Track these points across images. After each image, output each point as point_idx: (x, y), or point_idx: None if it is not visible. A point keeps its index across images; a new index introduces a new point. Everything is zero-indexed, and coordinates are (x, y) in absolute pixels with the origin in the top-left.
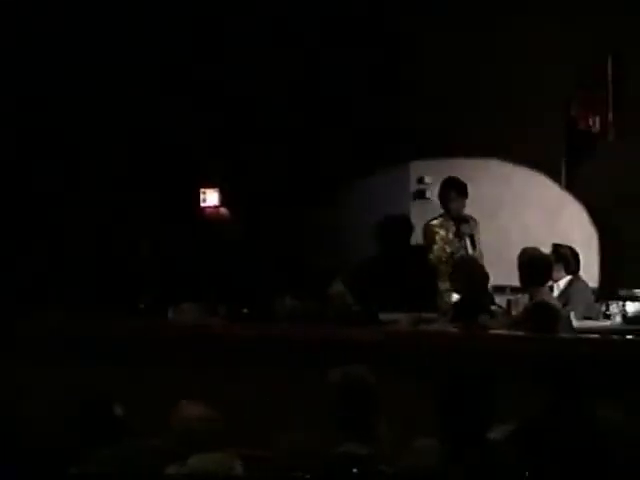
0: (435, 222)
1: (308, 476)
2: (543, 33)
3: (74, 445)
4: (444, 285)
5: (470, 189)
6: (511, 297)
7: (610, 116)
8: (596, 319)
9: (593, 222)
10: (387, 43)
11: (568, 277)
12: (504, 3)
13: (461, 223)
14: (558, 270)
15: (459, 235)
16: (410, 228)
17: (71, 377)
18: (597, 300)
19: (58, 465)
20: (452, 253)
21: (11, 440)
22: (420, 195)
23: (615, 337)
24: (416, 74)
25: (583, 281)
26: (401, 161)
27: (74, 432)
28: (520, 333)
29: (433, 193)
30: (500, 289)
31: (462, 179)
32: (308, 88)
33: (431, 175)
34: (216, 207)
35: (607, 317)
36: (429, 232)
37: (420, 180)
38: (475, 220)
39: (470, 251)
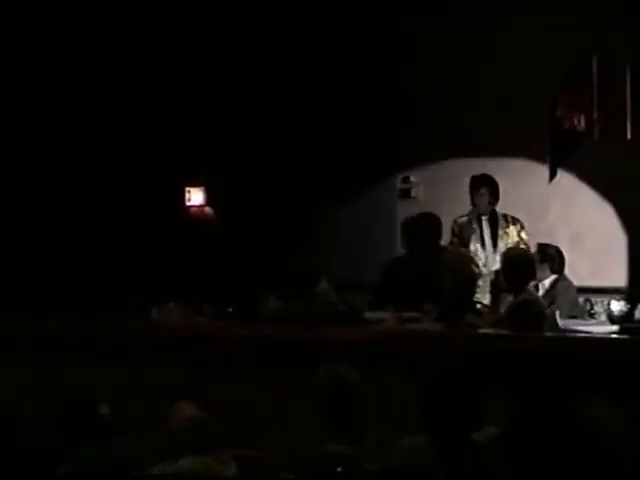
0: (462, 219)
1: (293, 476)
2: (528, 32)
3: (60, 444)
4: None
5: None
6: None
7: (595, 115)
8: (581, 318)
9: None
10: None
11: (553, 276)
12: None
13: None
14: (543, 270)
15: (481, 233)
16: (440, 225)
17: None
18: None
19: (46, 464)
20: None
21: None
22: (405, 194)
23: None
24: (413, 73)
25: (568, 280)
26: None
27: (61, 431)
28: (505, 331)
29: (419, 192)
30: None
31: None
32: (299, 86)
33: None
34: (201, 206)
35: (591, 316)
36: (456, 229)
37: (405, 179)
38: (511, 220)
39: (487, 250)
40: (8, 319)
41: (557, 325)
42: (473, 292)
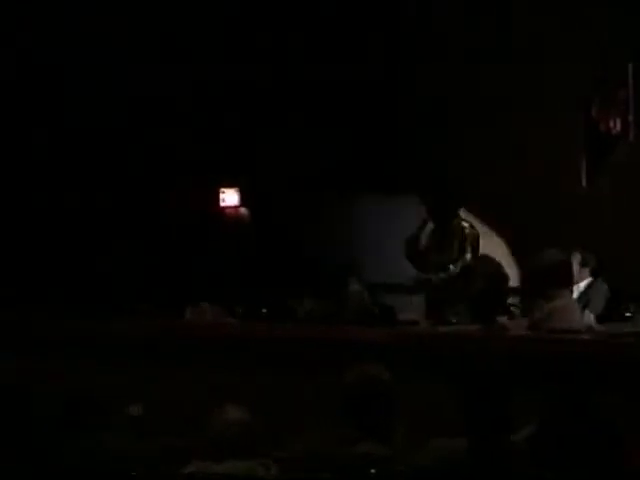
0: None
1: (326, 476)
2: (562, 33)
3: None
4: None
5: None
6: None
7: (631, 118)
8: (617, 320)
9: None
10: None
11: (589, 279)
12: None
13: None
14: (583, 273)
15: None
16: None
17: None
18: None
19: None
20: None
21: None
22: None
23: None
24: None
25: (603, 283)
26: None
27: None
28: (539, 334)
29: None
30: None
31: None
32: (328, 86)
33: None
34: (235, 207)
35: (627, 319)
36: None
37: None
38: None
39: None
40: (33, 318)
41: (591, 327)
42: (505, 294)
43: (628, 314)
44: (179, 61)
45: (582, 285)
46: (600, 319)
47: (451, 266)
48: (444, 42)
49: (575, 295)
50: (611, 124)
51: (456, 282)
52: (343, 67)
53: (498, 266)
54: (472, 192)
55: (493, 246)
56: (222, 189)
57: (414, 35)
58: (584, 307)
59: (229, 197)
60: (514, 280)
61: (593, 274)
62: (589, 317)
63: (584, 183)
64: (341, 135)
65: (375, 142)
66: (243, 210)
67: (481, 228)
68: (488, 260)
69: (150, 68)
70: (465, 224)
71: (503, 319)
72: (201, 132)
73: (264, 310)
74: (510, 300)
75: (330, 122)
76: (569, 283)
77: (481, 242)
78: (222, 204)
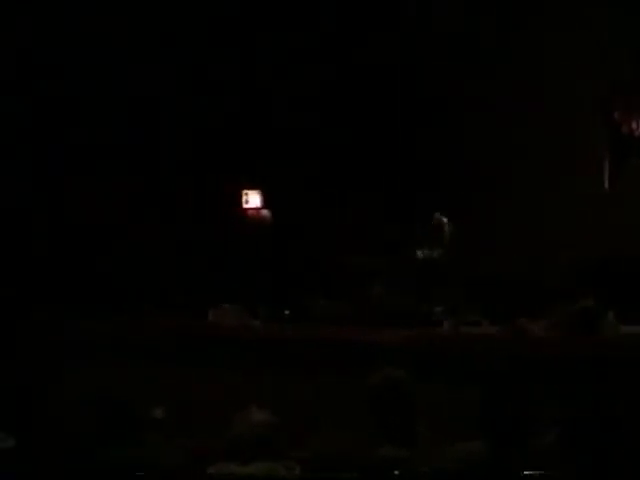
0: None
1: (348, 478)
2: (583, 33)
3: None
4: None
5: None
6: None
7: None
8: None
9: None
10: None
11: None
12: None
13: None
14: None
15: None
16: None
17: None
18: None
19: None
20: None
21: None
22: None
23: None
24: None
25: None
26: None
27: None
28: (561, 335)
29: None
30: None
31: None
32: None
33: None
34: (258, 209)
35: None
36: None
37: None
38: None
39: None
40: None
41: (617, 329)
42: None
43: None
44: (204, 65)
45: None
46: None
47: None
48: (463, 42)
49: None
50: (633, 126)
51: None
52: (361, 66)
53: None
54: (498, 192)
55: None
56: (245, 191)
57: (438, 36)
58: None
59: (252, 199)
60: (535, 279)
61: None
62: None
63: (606, 185)
64: (359, 138)
65: (392, 143)
66: (265, 212)
67: None
68: None
69: (173, 70)
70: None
71: (525, 320)
72: (224, 133)
73: (287, 312)
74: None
75: (347, 125)
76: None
77: None
78: (245, 205)
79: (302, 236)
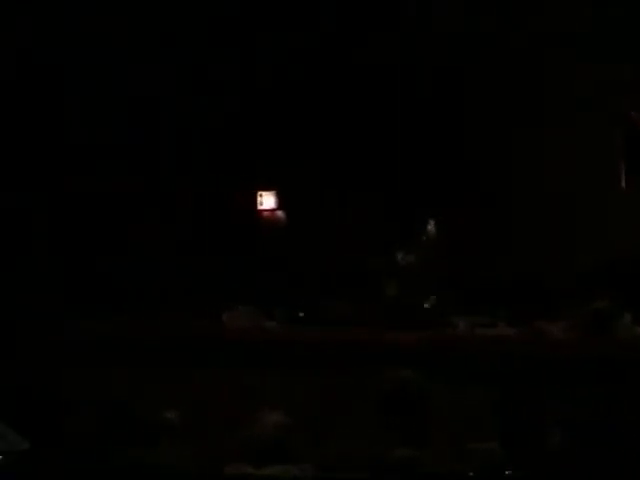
0: None
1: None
2: (599, 34)
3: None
4: None
5: None
6: None
7: None
8: None
9: None
10: None
11: None
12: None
13: None
14: None
15: None
16: None
17: None
18: None
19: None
20: None
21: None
22: None
23: None
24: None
25: None
26: None
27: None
28: (579, 337)
29: None
30: None
31: None
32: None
33: None
34: (273, 210)
35: None
36: None
37: None
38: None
39: None
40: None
41: (634, 330)
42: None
43: None
44: (210, 63)
45: None
46: None
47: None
48: (489, 43)
49: None
50: None
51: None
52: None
53: None
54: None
55: None
56: (260, 192)
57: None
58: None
59: (267, 200)
60: (550, 280)
61: None
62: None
63: (623, 184)
64: (375, 139)
65: (409, 144)
66: (280, 213)
67: None
68: None
69: (180, 69)
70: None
71: (542, 322)
72: (238, 133)
73: (301, 314)
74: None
75: (365, 125)
76: None
77: None
78: (260, 207)
79: (317, 238)
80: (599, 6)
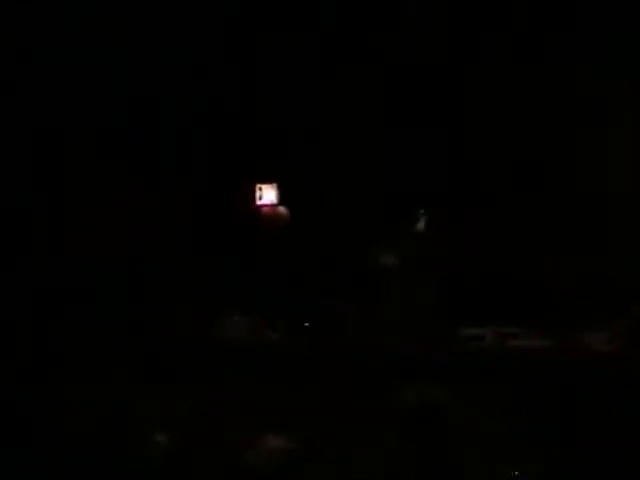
0: None
1: None
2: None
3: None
4: None
5: None
6: None
7: None
8: None
9: None
10: None
11: None
12: None
13: None
14: None
15: None
16: None
17: None
18: None
19: None
20: None
21: None
22: None
23: None
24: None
25: None
26: None
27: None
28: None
29: None
30: None
31: None
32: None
33: None
34: (274, 206)
35: None
36: None
37: None
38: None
39: None
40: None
41: None
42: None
43: None
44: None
45: None
46: None
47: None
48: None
49: None
50: None
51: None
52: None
53: None
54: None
55: None
56: (259, 185)
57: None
58: None
59: (267, 194)
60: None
61: None
62: None
63: None
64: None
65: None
66: (282, 209)
67: None
68: None
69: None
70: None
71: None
72: (232, 120)
73: (306, 324)
74: None
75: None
76: None
77: None
78: (259, 202)
79: (324, 236)
80: None
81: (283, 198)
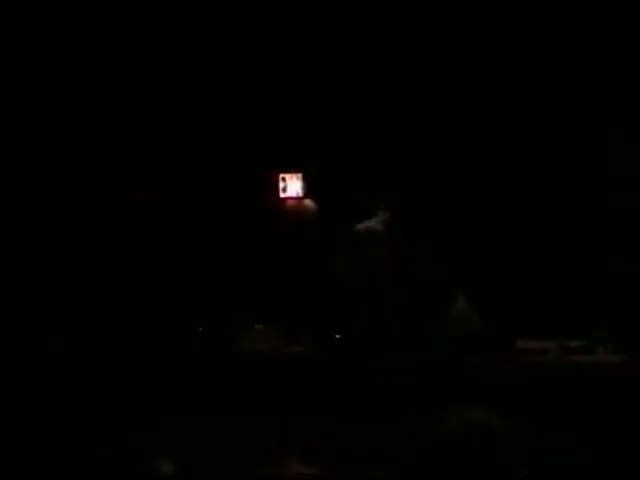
0: None
1: None
2: None
3: None
4: None
5: None
6: None
7: None
8: None
9: None
10: None
11: None
12: None
13: None
14: None
15: None
16: None
17: None
18: None
19: None
20: None
21: None
22: None
23: None
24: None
25: None
26: None
27: None
28: None
29: None
30: None
31: None
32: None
33: None
34: (299, 198)
35: None
36: None
37: None
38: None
39: None
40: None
41: None
42: None
43: None
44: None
45: None
46: None
47: None
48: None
49: None
50: None
51: None
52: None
53: None
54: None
55: None
56: (282, 175)
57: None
58: None
59: (291, 185)
60: None
61: None
62: None
63: None
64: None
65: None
66: (308, 202)
67: None
68: None
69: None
70: None
71: None
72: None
73: (338, 336)
74: None
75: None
76: None
77: None
78: (282, 194)
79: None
80: None
81: (310, 190)
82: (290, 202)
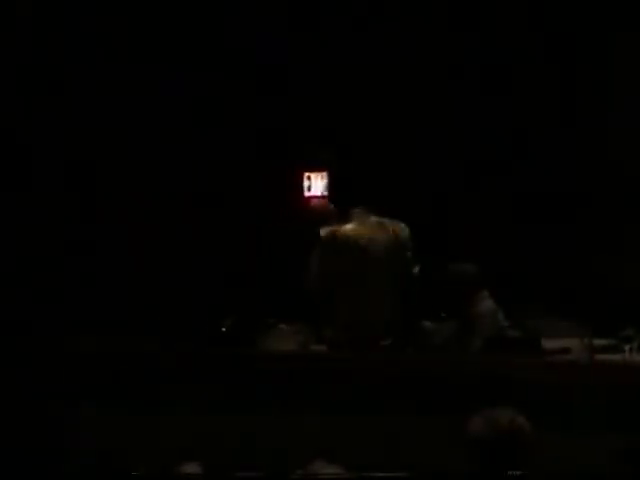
0: None
1: None
2: None
3: None
4: None
5: None
6: None
7: None
8: None
9: None
10: None
11: None
12: None
13: None
14: None
15: None
16: None
17: None
18: None
19: None
20: None
21: None
22: None
23: None
24: None
25: None
26: None
27: None
28: None
29: None
30: None
31: None
32: None
33: None
34: (324, 197)
35: None
36: None
37: None
38: None
39: None
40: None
41: None
42: None
43: None
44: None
45: None
46: None
47: None
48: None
49: None
50: None
51: None
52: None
53: None
54: None
55: None
56: (307, 174)
57: None
58: None
59: (316, 184)
60: None
61: None
62: None
63: None
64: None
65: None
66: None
67: None
68: None
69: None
70: None
71: None
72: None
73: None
74: None
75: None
76: None
77: None
78: (307, 193)
79: None
80: None
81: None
82: (315, 200)
